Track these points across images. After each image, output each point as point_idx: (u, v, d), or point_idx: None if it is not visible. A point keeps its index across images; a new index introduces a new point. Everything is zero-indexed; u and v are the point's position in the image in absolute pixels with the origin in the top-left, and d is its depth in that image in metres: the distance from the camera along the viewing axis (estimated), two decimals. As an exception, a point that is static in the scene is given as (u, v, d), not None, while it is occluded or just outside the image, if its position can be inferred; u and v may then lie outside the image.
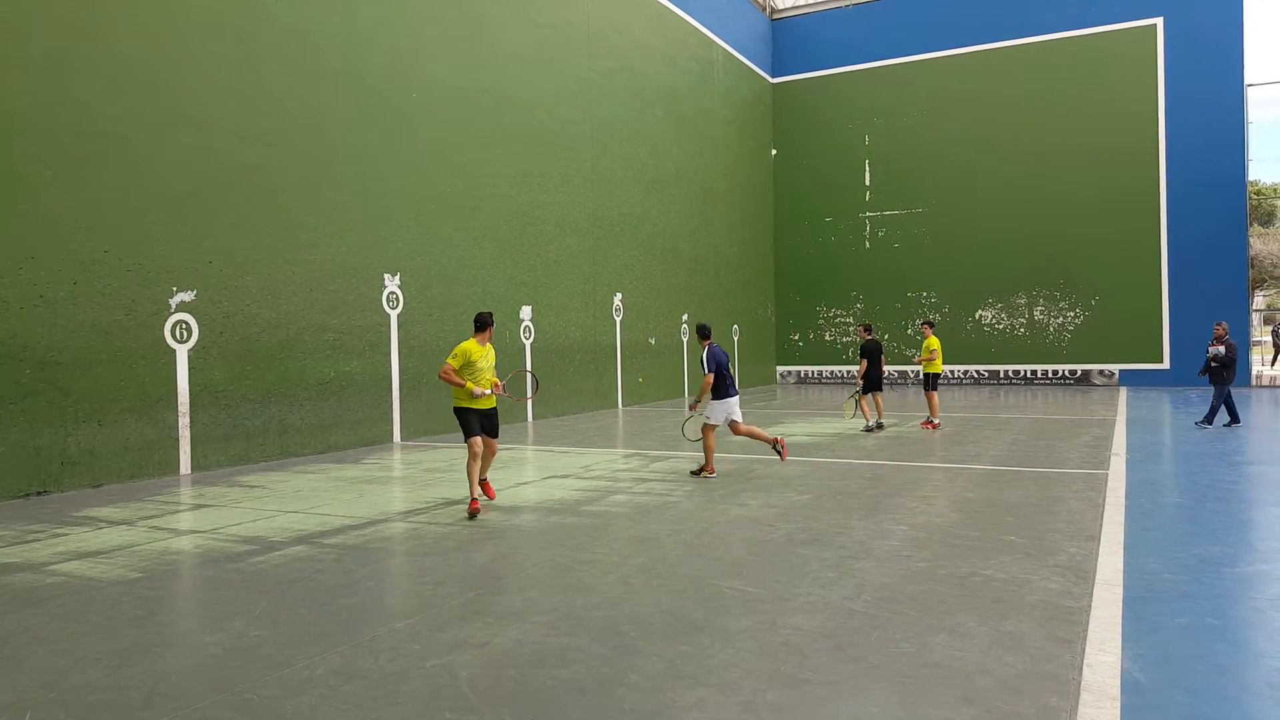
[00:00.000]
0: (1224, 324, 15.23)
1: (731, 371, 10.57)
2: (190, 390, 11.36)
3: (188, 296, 11.38)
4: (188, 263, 11.39)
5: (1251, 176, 27.90)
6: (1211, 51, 25.37)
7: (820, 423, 16.53)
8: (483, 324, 8.57)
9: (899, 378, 28.90)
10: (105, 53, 10.55)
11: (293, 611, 5.26)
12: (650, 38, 22.96)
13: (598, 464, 11.46)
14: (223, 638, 4.82)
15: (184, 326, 11.33)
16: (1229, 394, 14.69)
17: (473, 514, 8.06)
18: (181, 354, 11.30)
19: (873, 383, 15.08)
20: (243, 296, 12.09)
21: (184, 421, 11.28)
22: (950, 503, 8.38)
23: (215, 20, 11.85)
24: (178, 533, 7.70)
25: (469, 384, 8.32)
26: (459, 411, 8.52)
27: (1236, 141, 25.26)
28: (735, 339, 27.75)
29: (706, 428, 10.25)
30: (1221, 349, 14.63)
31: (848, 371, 29.92)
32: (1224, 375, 14.58)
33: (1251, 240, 29.48)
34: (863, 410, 15.08)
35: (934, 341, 15.58)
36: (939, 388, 15.62)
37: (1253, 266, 31.30)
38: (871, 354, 15.00)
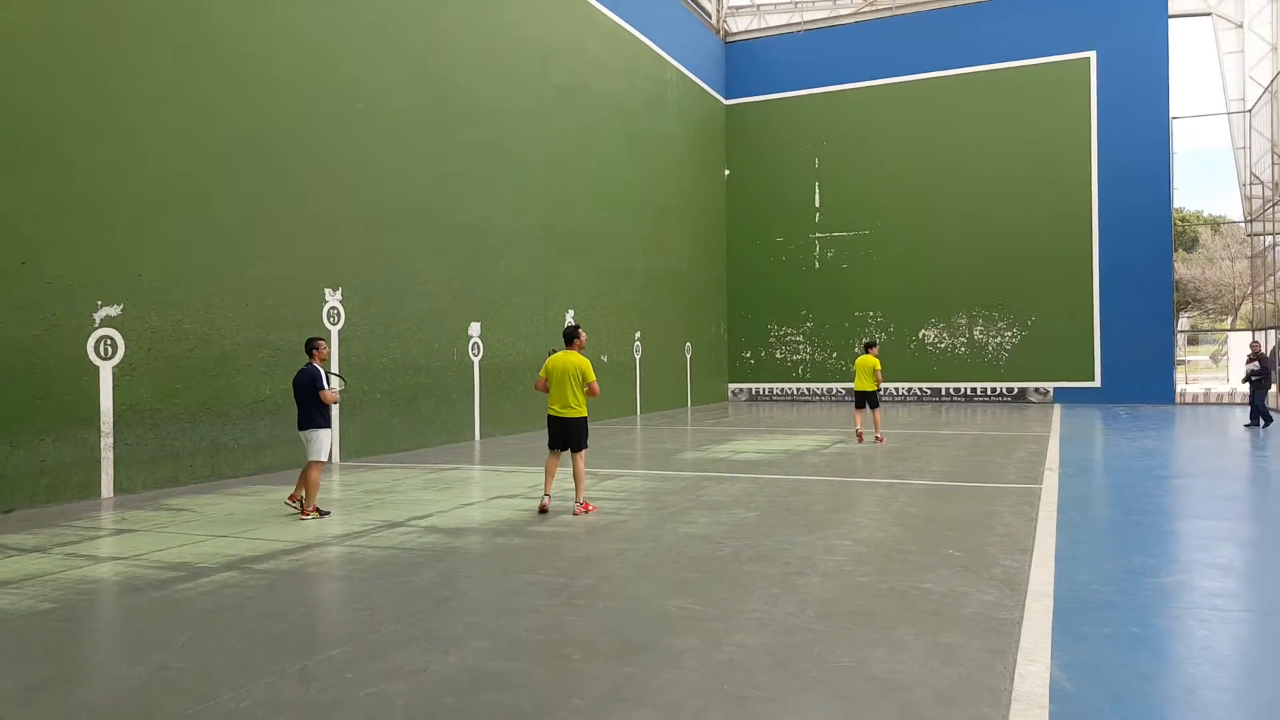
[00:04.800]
0: (1257, 342, 18.62)
1: None
2: (114, 409, 10.97)
3: (113, 311, 11.01)
4: (114, 275, 11.03)
5: (1176, 204, 28.90)
6: (1140, 85, 26.37)
7: (770, 439, 16.60)
8: (566, 338, 9.32)
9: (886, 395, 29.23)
10: (30, 54, 10.19)
11: (219, 641, 5.07)
12: (605, 56, 23.04)
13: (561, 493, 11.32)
14: (142, 670, 4.61)
15: (109, 342, 10.96)
16: (1262, 398, 17.69)
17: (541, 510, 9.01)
18: (105, 371, 10.92)
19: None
20: (173, 311, 11.74)
21: (107, 442, 10.86)
22: (892, 517, 8.45)
23: (151, 24, 11.54)
24: (96, 560, 7.39)
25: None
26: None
27: (1163, 171, 26.21)
28: (688, 356, 27.82)
29: None
30: (1256, 363, 17.63)
31: (798, 389, 30.18)
32: (1263, 383, 17.73)
33: (1176, 265, 30.55)
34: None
35: (861, 360, 16.17)
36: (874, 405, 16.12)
37: (1177, 290, 32.32)
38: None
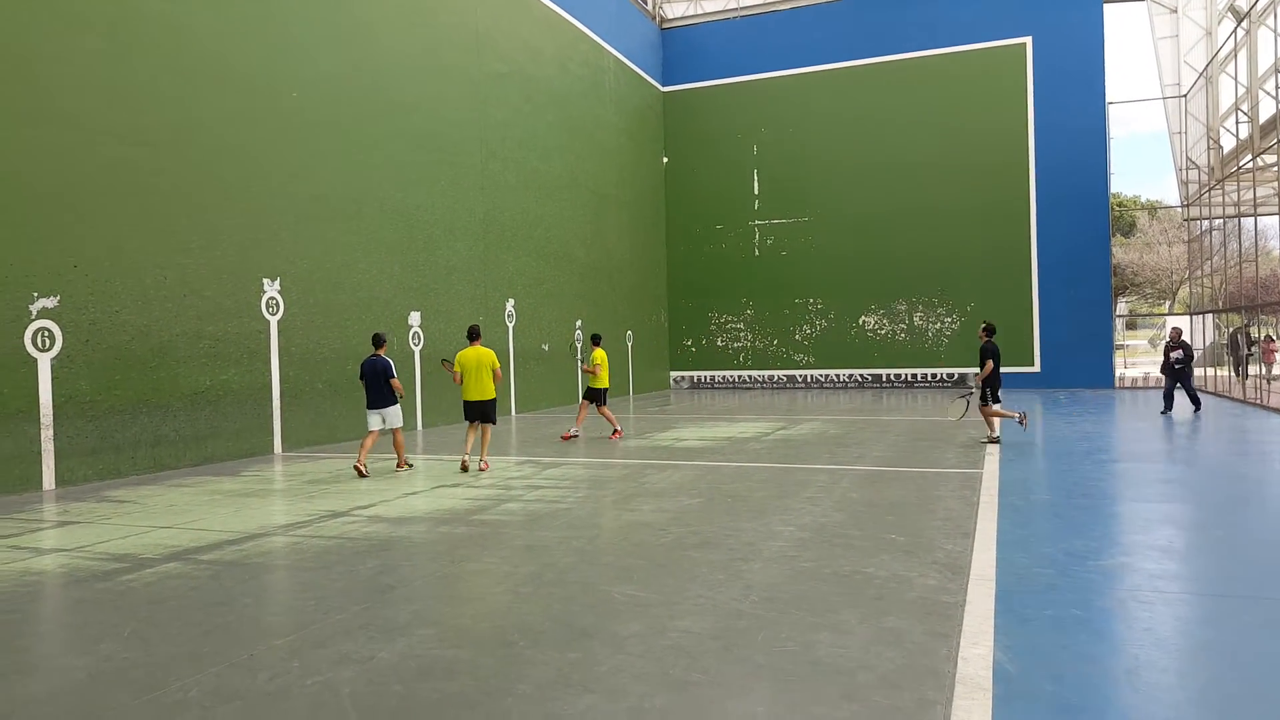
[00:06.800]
0: (1178, 328, 18.22)
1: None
2: (54, 401, 10.73)
3: (50, 302, 10.75)
4: (50, 267, 10.77)
5: (1113, 190, 29.56)
6: (1076, 70, 26.82)
7: (712, 427, 16.74)
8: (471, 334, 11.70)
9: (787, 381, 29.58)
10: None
11: (165, 632, 5.02)
12: (541, 42, 22.88)
13: (489, 472, 11.33)
14: (88, 661, 4.56)
15: (46, 334, 10.69)
16: (1189, 383, 17.74)
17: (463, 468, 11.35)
18: (44, 363, 10.66)
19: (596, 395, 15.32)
20: (111, 302, 11.49)
21: (47, 434, 10.64)
22: (835, 503, 8.59)
23: (82, 12, 11.25)
24: (40, 552, 7.25)
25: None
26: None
27: (1099, 156, 26.76)
28: (629, 344, 27.87)
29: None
30: (1179, 351, 17.53)
31: (739, 376, 30.42)
32: (1186, 369, 17.70)
33: (1114, 250, 31.27)
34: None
35: (600, 355, 15.30)
36: (606, 401, 15.51)
37: (1115, 274, 33.13)
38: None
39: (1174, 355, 17.67)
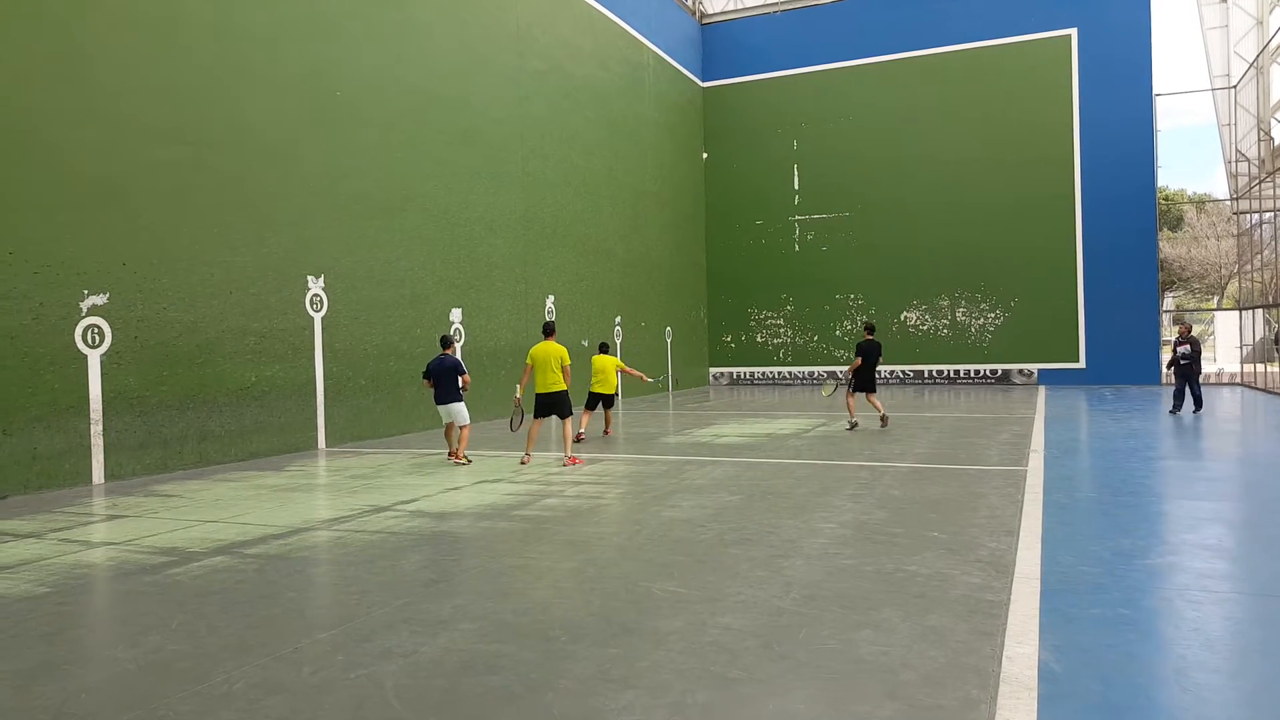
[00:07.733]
0: (1187, 324, 17.81)
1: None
2: (103, 396, 10.97)
3: (99, 300, 10.98)
4: (99, 265, 11.00)
5: (1160, 183, 28.98)
6: (1123, 62, 26.33)
7: (752, 423, 16.68)
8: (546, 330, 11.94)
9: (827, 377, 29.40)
10: (11, 45, 10.13)
11: (211, 624, 5.10)
12: (580, 39, 22.93)
13: (530, 468, 11.38)
14: (137, 653, 4.65)
15: (96, 331, 10.93)
16: (1195, 383, 17.13)
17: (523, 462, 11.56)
18: (93, 359, 10.90)
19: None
20: (158, 299, 11.71)
21: (96, 429, 10.88)
22: (876, 500, 8.52)
23: (128, 13, 11.47)
24: (90, 545, 7.42)
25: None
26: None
27: (1146, 149, 26.25)
28: (668, 340, 27.85)
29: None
30: (1187, 347, 16.98)
31: (779, 373, 30.28)
32: (1193, 368, 17.11)
33: (1161, 244, 30.66)
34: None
35: (602, 361, 14.99)
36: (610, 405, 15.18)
37: (1162, 269, 32.46)
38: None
39: (1181, 350, 16.97)
